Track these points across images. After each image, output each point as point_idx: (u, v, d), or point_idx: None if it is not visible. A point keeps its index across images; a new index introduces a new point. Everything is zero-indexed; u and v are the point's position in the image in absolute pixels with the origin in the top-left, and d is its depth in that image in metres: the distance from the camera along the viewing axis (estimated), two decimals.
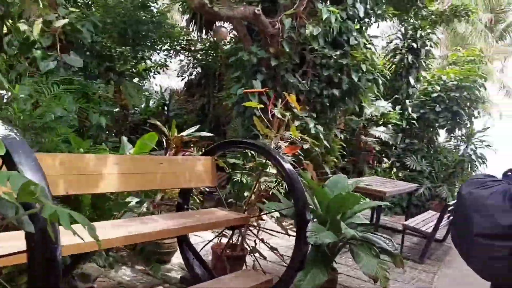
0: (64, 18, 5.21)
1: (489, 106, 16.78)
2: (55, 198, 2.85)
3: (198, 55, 9.19)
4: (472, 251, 1.81)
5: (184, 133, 4.09)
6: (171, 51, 8.79)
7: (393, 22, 10.79)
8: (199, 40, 9.19)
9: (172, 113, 9.30)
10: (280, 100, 4.03)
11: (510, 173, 1.79)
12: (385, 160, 9.69)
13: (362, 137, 8.93)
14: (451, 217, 4.59)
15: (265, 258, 3.64)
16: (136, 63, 7.85)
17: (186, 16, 9.31)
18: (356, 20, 6.74)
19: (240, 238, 3.63)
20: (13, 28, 4.94)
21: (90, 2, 7.45)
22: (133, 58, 7.54)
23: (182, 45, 8.93)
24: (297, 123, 6.03)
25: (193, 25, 8.98)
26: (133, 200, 3.86)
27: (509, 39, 20.11)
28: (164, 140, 4.01)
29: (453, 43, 17.50)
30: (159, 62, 8.76)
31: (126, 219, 3.06)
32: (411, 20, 9.14)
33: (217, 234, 3.73)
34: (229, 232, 3.57)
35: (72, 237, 1.34)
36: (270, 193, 4.00)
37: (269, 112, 3.82)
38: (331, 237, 2.94)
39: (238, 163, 4.24)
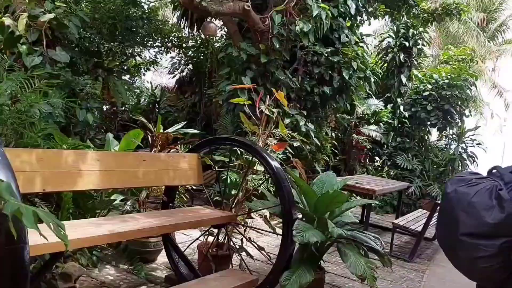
0: (50, 12, 5.11)
1: (480, 105, 16.88)
2: (32, 195, 2.78)
3: (190, 52, 9.09)
4: (457, 251, 1.76)
5: (169, 130, 4.02)
6: (162, 48, 8.70)
7: (385, 20, 10.77)
8: (191, 37, 9.08)
9: (163, 110, 9.22)
10: (268, 96, 3.97)
11: (495, 170, 1.75)
12: (377, 158, 9.68)
13: (354, 135, 8.91)
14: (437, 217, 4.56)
15: (252, 257, 3.57)
16: (125, 60, 7.76)
17: (178, 13, 9.20)
18: (347, 18, 6.71)
19: (226, 237, 3.57)
20: None
21: None
22: (122, 55, 7.45)
23: (173, 42, 8.82)
24: (287, 120, 6.01)
25: (184, 21, 8.87)
26: (118, 198, 3.79)
27: (501, 39, 20.25)
28: (149, 137, 3.93)
29: (445, 43, 17.56)
30: (150, 59, 8.68)
31: (108, 217, 2.99)
32: (403, 19, 9.12)
33: (202, 232, 3.67)
34: (216, 231, 3.51)
35: (47, 235, 1.28)
36: (260, 191, 3.94)
37: (257, 109, 3.76)
38: (318, 235, 2.89)
39: (225, 161, 4.18)
